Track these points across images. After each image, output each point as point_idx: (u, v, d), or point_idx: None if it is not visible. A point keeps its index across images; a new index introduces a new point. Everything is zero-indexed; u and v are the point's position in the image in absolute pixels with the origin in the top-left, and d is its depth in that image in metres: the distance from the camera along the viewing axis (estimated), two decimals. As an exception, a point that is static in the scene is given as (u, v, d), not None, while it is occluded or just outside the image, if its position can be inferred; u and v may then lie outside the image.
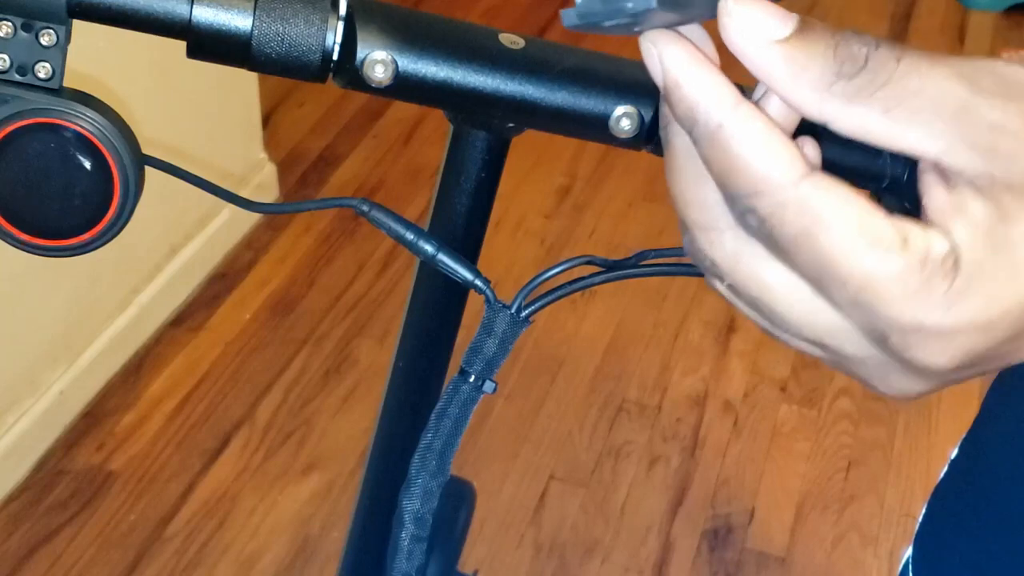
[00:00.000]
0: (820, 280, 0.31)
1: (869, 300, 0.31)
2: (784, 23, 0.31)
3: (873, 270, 0.30)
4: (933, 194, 0.32)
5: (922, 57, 0.31)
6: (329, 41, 0.44)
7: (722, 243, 0.33)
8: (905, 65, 0.30)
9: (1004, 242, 0.30)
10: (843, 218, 0.30)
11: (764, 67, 0.31)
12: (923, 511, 0.68)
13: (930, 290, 0.30)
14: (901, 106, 0.30)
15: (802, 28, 0.31)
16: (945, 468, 0.68)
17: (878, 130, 0.31)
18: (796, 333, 0.34)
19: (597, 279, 0.53)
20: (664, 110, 0.33)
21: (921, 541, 0.68)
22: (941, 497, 0.68)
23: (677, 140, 0.33)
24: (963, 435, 0.67)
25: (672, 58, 0.31)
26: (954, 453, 0.67)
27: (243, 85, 2.02)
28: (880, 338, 0.32)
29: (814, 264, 0.31)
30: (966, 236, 0.30)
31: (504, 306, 0.51)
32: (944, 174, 0.31)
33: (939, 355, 0.31)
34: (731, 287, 0.34)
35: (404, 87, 0.46)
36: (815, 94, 0.31)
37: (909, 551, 0.69)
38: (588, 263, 0.53)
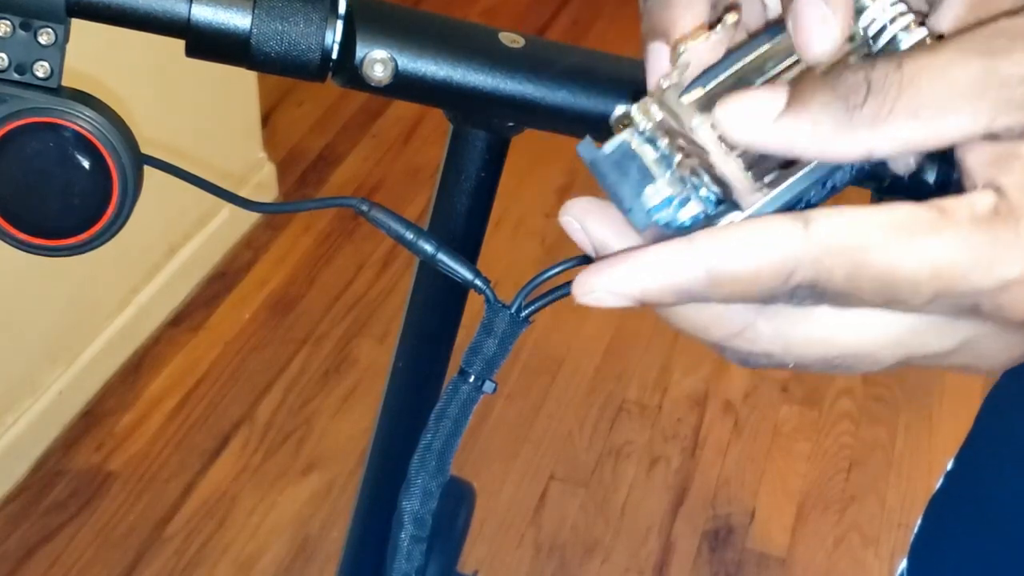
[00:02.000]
0: (894, 299, 0.30)
1: (946, 287, 0.30)
2: (773, 98, 0.31)
3: (932, 258, 0.29)
4: (973, 154, 0.31)
5: (921, 52, 0.30)
6: (328, 40, 0.44)
7: (760, 334, 0.33)
8: (908, 67, 0.30)
9: None
10: (872, 235, 0.30)
11: (782, 145, 0.30)
12: (919, 522, 0.68)
13: (996, 243, 0.29)
14: (925, 106, 0.30)
15: (794, 93, 0.31)
16: (941, 480, 0.67)
17: (919, 137, 0.30)
18: (876, 362, 0.33)
19: (597, 279, 0.52)
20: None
21: (917, 552, 0.68)
22: (937, 509, 0.67)
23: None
24: (962, 441, 0.67)
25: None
26: (950, 465, 0.67)
27: (242, 84, 2.02)
28: (973, 312, 0.31)
29: (880, 289, 0.30)
30: (1016, 178, 0.30)
31: (504, 306, 0.51)
32: (991, 136, 0.31)
33: None
34: (797, 364, 0.33)
35: (404, 86, 0.46)
36: (840, 137, 0.30)
37: (904, 563, 0.68)
38: (588, 263, 0.53)
